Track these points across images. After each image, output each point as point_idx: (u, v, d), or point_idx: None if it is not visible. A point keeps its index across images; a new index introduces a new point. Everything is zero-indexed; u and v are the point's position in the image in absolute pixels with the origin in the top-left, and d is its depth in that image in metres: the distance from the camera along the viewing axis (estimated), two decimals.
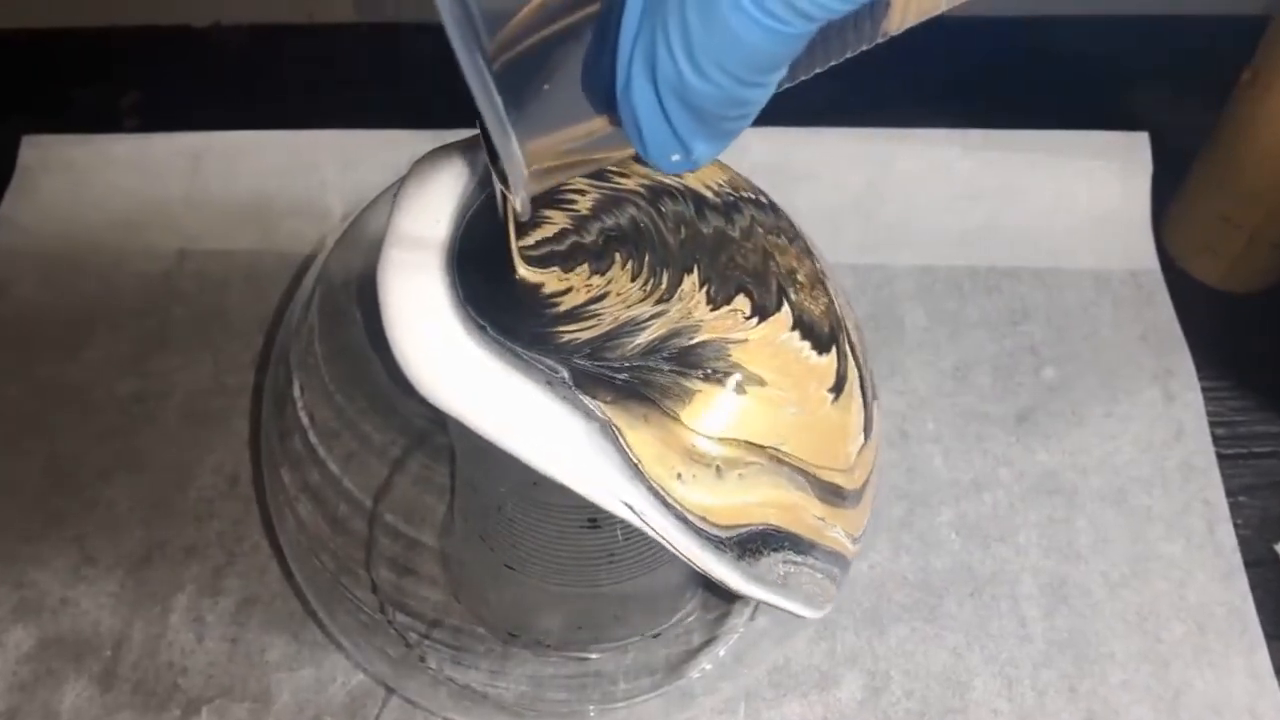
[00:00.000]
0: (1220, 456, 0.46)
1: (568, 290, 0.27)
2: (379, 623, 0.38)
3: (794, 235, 0.31)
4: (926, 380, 0.48)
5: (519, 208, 0.24)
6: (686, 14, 0.18)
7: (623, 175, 0.29)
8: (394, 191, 0.29)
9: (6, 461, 0.45)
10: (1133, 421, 0.47)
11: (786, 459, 0.27)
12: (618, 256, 0.28)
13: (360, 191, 0.52)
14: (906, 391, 0.48)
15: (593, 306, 0.27)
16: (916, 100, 0.56)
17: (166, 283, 0.51)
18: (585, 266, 0.28)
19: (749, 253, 0.29)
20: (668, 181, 0.30)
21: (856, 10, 0.19)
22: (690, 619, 0.39)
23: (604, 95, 0.21)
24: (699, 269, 0.28)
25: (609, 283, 0.27)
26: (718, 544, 0.26)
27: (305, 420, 0.35)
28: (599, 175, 0.29)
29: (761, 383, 0.27)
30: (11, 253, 0.52)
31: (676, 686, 0.37)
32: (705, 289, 0.28)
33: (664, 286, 0.28)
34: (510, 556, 0.34)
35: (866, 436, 0.30)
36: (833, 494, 0.29)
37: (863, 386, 0.30)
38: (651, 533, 0.26)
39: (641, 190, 0.29)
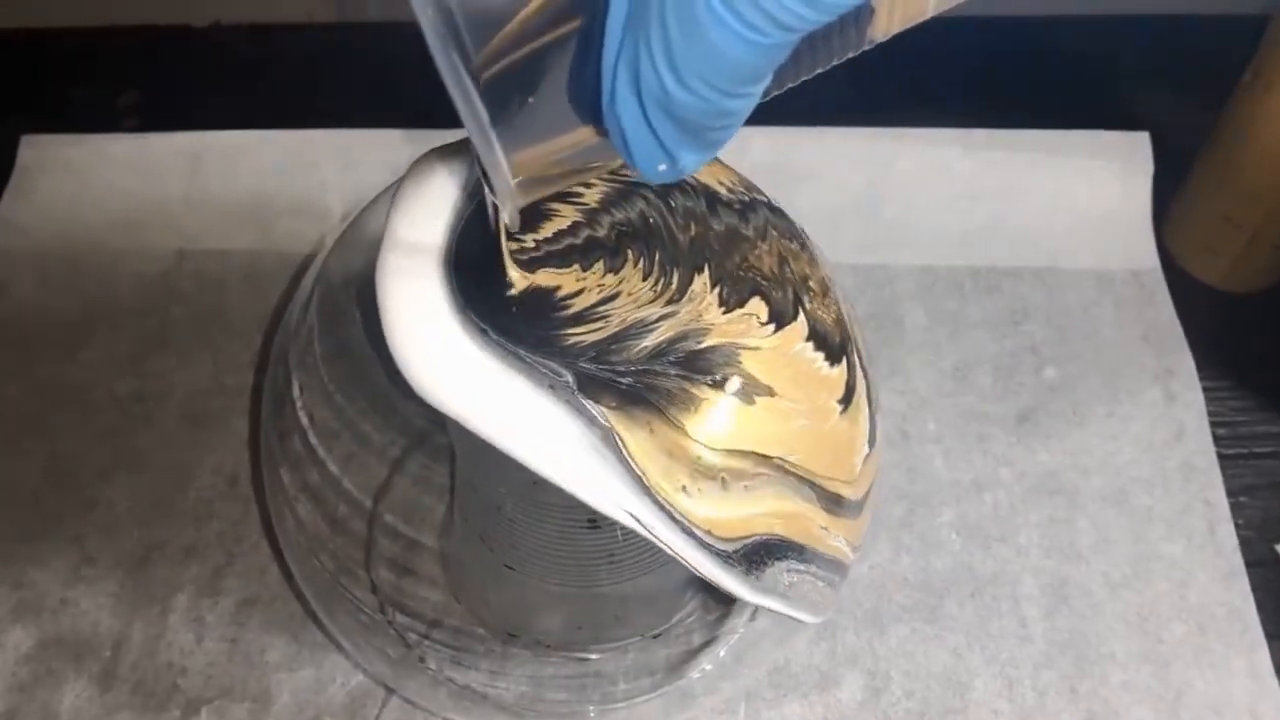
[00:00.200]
0: (1221, 456, 0.46)
1: (580, 291, 0.26)
2: (379, 623, 0.38)
3: (804, 241, 0.30)
4: (927, 380, 0.48)
5: (508, 219, 0.24)
6: (668, 27, 0.18)
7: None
8: (392, 193, 0.28)
9: (6, 462, 0.45)
10: (1134, 421, 0.47)
11: (793, 469, 0.27)
12: (629, 253, 0.27)
13: (360, 191, 0.52)
14: (907, 391, 0.48)
15: (603, 307, 0.26)
16: (917, 100, 0.56)
17: (165, 283, 0.51)
18: (601, 264, 0.27)
19: (764, 255, 0.28)
20: None
21: (839, 19, 0.19)
22: (690, 619, 0.39)
23: (590, 107, 0.21)
24: (710, 268, 0.27)
25: (621, 282, 0.27)
26: (725, 558, 0.26)
27: (305, 420, 0.35)
28: None
29: (772, 393, 0.26)
30: (10, 253, 0.51)
31: (677, 687, 0.37)
32: (717, 290, 0.27)
33: (674, 287, 0.27)
34: (510, 557, 0.34)
35: (871, 447, 0.30)
36: (837, 504, 0.29)
37: (869, 396, 0.30)
38: (661, 545, 0.25)
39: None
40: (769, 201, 0.30)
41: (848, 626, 0.41)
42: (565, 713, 0.38)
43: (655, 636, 0.38)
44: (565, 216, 0.28)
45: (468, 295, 0.25)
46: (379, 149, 0.52)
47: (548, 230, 0.27)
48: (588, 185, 0.28)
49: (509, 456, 0.25)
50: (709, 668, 0.38)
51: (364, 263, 0.28)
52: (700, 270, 0.27)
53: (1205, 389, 0.47)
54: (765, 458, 0.26)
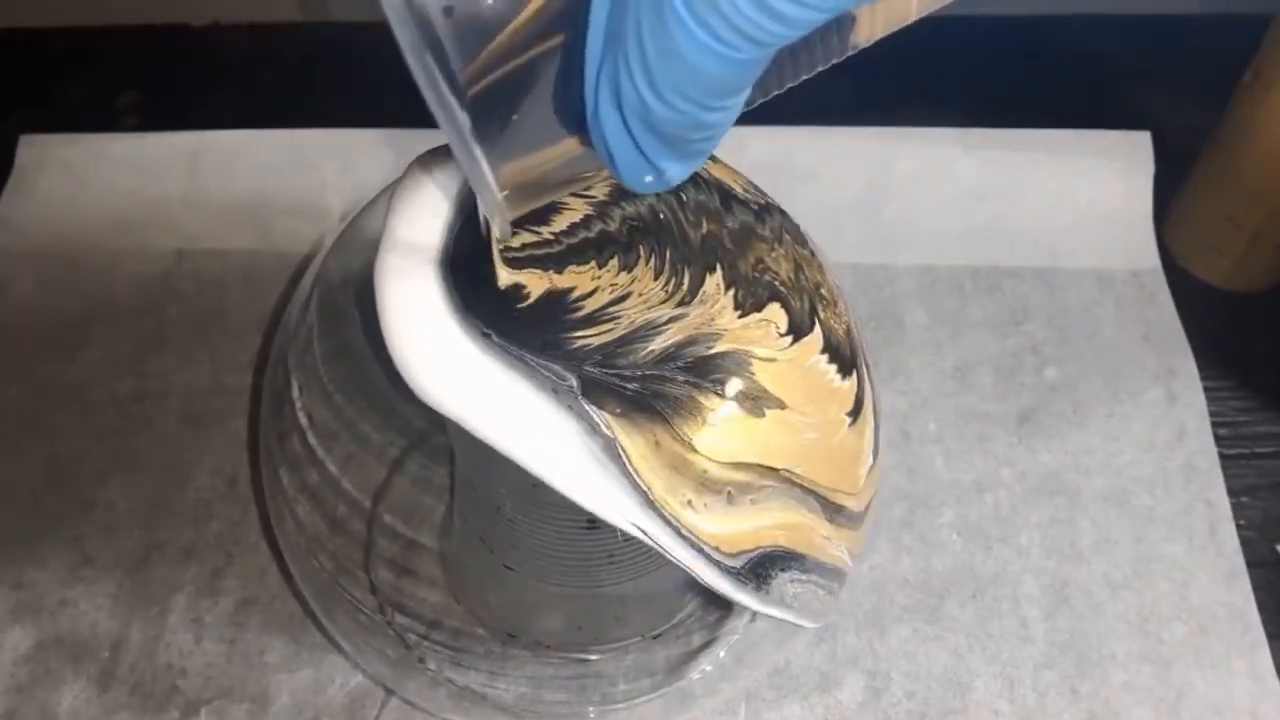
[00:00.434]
0: (1223, 457, 0.45)
1: (594, 291, 0.25)
2: (378, 624, 0.38)
3: (813, 249, 0.30)
4: (928, 380, 0.48)
5: (498, 232, 0.24)
6: (644, 43, 0.18)
7: None
8: (390, 192, 0.28)
9: (5, 462, 0.45)
10: (1135, 422, 0.46)
11: (799, 481, 0.26)
12: (641, 250, 0.26)
13: (359, 191, 0.52)
14: (908, 392, 0.47)
15: (613, 309, 0.25)
16: (918, 99, 0.56)
17: (164, 282, 0.51)
18: (615, 260, 0.26)
19: (780, 259, 0.27)
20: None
21: (819, 29, 0.19)
22: (690, 620, 0.39)
23: (576, 119, 0.21)
24: (723, 269, 0.26)
25: (633, 281, 0.26)
26: (736, 574, 0.26)
27: (304, 421, 0.35)
28: None
29: (783, 406, 0.25)
30: (9, 253, 0.51)
31: (676, 688, 0.37)
32: (732, 292, 0.26)
33: (685, 287, 0.26)
34: (510, 557, 0.34)
35: (874, 458, 0.30)
36: (840, 515, 0.28)
37: (874, 408, 0.29)
38: (671, 559, 0.25)
39: None
40: (780, 207, 0.30)
41: (848, 627, 0.41)
42: (565, 713, 0.37)
43: (655, 637, 0.38)
44: (576, 210, 0.27)
45: (471, 296, 0.25)
46: (378, 148, 0.52)
47: (561, 223, 0.27)
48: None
49: (508, 457, 0.25)
50: (709, 669, 0.37)
51: (363, 262, 0.27)
52: (712, 270, 0.26)
53: (1207, 389, 0.47)
54: (772, 470, 0.26)
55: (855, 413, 0.28)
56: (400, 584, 0.39)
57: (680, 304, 0.25)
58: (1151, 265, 0.51)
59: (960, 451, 0.46)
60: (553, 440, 0.24)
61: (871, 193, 0.53)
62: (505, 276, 0.25)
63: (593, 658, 0.38)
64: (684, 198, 0.27)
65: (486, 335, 0.24)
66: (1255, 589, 0.42)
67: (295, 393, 0.34)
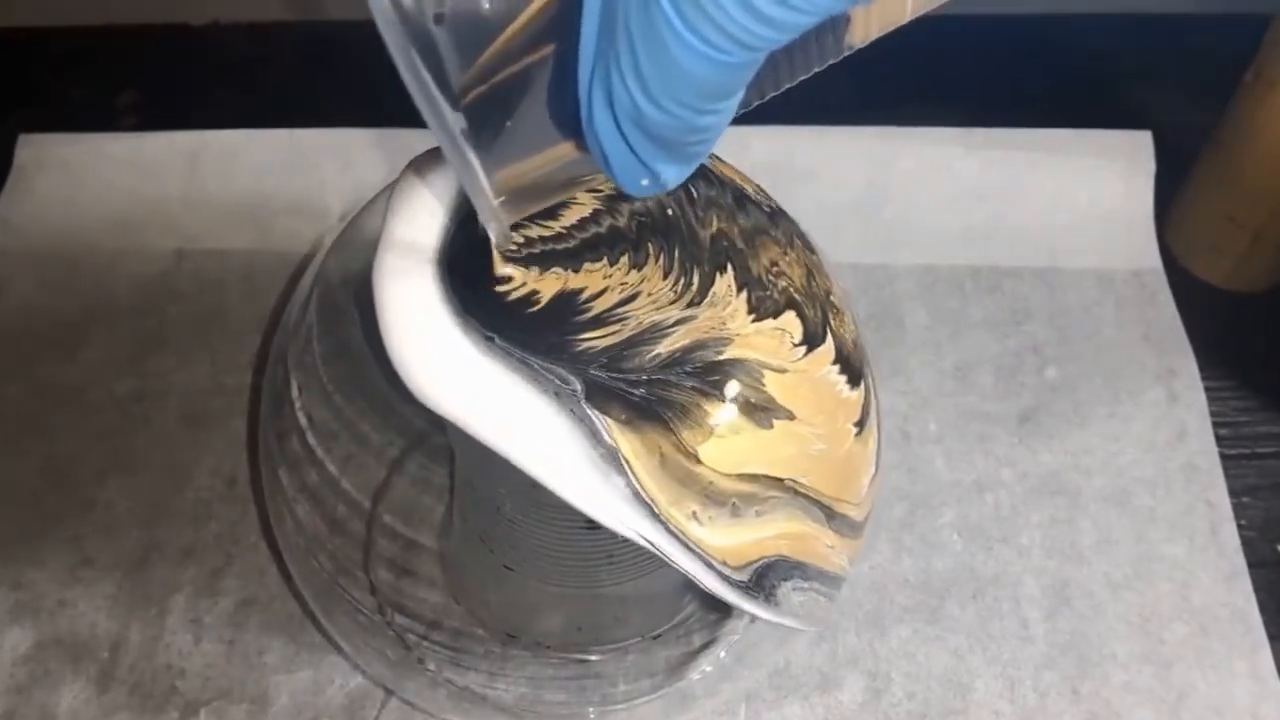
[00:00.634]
0: (1224, 457, 0.45)
1: (603, 291, 0.24)
2: (377, 624, 0.38)
3: (820, 255, 0.29)
4: (928, 380, 0.48)
5: (495, 238, 0.24)
6: (635, 48, 0.18)
7: None
8: (388, 194, 0.28)
9: (4, 462, 0.45)
10: (1136, 422, 0.46)
11: (805, 491, 0.26)
12: (650, 248, 0.25)
13: (359, 190, 0.52)
14: (908, 392, 0.47)
15: (621, 309, 0.24)
16: (918, 99, 0.56)
17: (164, 282, 0.51)
18: (626, 258, 0.25)
19: (793, 264, 0.26)
20: (704, 162, 0.26)
21: (813, 30, 0.19)
22: (690, 620, 0.39)
23: (571, 124, 0.21)
24: (734, 269, 0.25)
25: (642, 280, 0.25)
26: (744, 587, 0.26)
27: (303, 421, 0.35)
28: None
29: (792, 417, 0.25)
30: (8, 253, 0.51)
31: (676, 688, 0.37)
32: (745, 295, 0.25)
33: (695, 288, 0.25)
34: (509, 557, 0.34)
35: (876, 468, 0.30)
36: (843, 524, 0.28)
37: (878, 418, 0.29)
38: (676, 568, 0.25)
39: None
40: (788, 215, 0.30)
41: (848, 628, 0.41)
42: (565, 714, 0.37)
43: (655, 638, 0.38)
44: (584, 204, 0.26)
45: (471, 297, 0.24)
46: (378, 148, 0.52)
47: (571, 217, 0.26)
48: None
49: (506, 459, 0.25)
50: (709, 669, 0.37)
51: (363, 262, 0.27)
52: (723, 270, 0.25)
53: (1208, 389, 0.47)
54: (778, 481, 0.25)
55: (862, 423, 0.28)
56: (400, 584, 0.39)
57: (689, 305, 0.25)
58: (1152, 265, 0.51)
59: (961, 451, 0.46)
60: (553, 443, 0.24)
61: (871, 193, 0.52)
62: (518, 278, 0.25)
63: (593, 658, 0.38)
64: (694, 193, 0.27)
65: (489, 339, 0.24)
66: (1256, 589, 0.42)
67: (295, 393, 0.34)
